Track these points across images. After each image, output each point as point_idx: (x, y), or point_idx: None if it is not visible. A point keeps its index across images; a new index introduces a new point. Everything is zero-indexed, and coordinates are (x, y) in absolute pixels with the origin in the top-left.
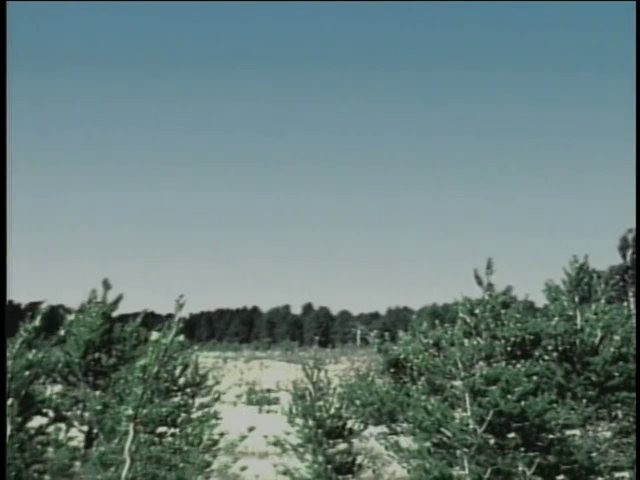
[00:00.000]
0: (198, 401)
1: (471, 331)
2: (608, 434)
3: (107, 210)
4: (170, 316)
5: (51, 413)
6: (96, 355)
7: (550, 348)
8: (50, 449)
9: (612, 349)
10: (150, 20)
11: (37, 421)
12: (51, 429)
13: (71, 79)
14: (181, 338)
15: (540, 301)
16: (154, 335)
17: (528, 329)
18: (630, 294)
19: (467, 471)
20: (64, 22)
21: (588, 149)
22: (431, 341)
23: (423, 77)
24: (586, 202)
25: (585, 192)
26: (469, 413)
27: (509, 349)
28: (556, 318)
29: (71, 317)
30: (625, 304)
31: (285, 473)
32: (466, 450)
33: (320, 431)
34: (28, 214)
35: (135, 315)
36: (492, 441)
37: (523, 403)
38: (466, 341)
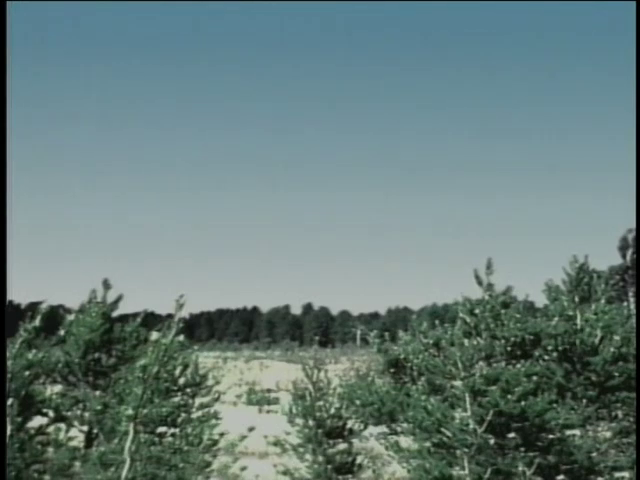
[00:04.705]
0: (198, 401)
1: (471, 331)
2: (608, 434)
3: (107, 210)
4: (170, 316)
5: (51, 413)
6: (96, 355)
7: (550, 348)
8: (50, 449)
9: (612, 349)
10: (151, 19)
11: (37, 421)
12: (51, 429)
13: (71, 79)
14: (181, 338)
15: (540, 301)
16: (154, 335)
17: (528, 329)
18: (630, 294)
19: (467, 471)
20: (64, 22)
21: (588, 149)
22: (431, 341)
23: (424, 76)
24: (586, 202)
25: (585, 192)
26: (469, 413)
27: (509, 349)
28: (556, 318)
29: (71, 317)
30: (625, 304)
31: (285, 473)
32: (466, 450)
33: (320, 431)
34: (28, 214)
35: (135, 315)
36: (492, 441)
37: (523, 403)
38: (466, 341)
